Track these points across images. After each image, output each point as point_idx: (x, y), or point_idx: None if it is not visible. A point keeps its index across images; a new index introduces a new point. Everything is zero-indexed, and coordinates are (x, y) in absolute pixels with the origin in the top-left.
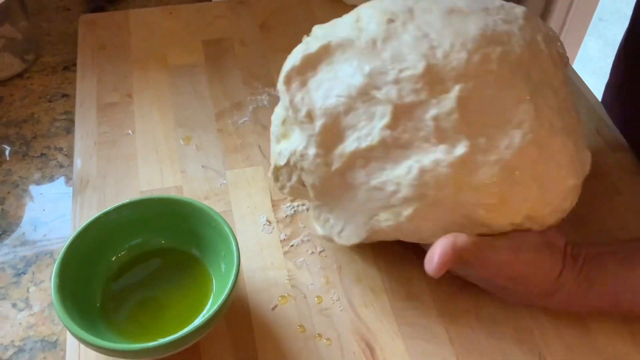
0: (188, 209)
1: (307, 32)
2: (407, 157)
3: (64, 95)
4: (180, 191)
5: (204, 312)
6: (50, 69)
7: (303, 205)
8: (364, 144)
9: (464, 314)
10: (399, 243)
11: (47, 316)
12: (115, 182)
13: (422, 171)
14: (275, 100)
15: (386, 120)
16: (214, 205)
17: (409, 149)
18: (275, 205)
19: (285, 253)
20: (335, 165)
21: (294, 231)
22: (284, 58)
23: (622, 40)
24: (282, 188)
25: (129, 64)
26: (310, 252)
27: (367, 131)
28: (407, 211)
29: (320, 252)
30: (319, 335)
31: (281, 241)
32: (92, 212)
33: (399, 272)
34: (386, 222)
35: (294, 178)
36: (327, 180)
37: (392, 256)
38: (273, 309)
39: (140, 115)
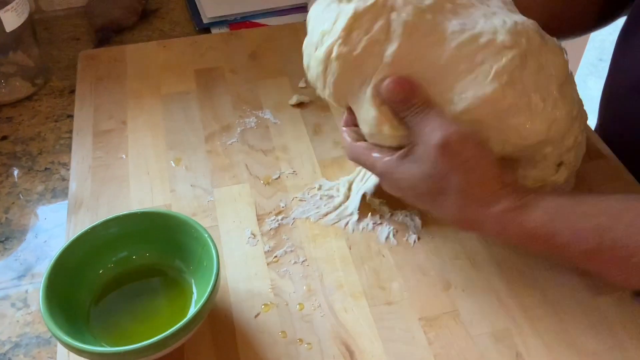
0: (171, 221)
1: (294, 60)
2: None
3: (69, 116)
4: (169, 209)
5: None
6: (57, 92)
7: (286, 217)
8: None
9: (442, 317)
10: (381, 254)
11: None
12: (107, 202)
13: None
14: (262, 122)
15: None
16: (201, 221)
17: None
18: (260, 219)
19: (269, 264)
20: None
21: (277, 243)
22: (272, 84)
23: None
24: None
25: (124, 93)
26: (293, 262)
27: None
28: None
29: (302, 261)
30: (300, 340)
31: (265, 252)
32: None
33: (378, 279)
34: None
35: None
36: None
37: (372, 264)
38: (256, 316)
39: (133, 140)
